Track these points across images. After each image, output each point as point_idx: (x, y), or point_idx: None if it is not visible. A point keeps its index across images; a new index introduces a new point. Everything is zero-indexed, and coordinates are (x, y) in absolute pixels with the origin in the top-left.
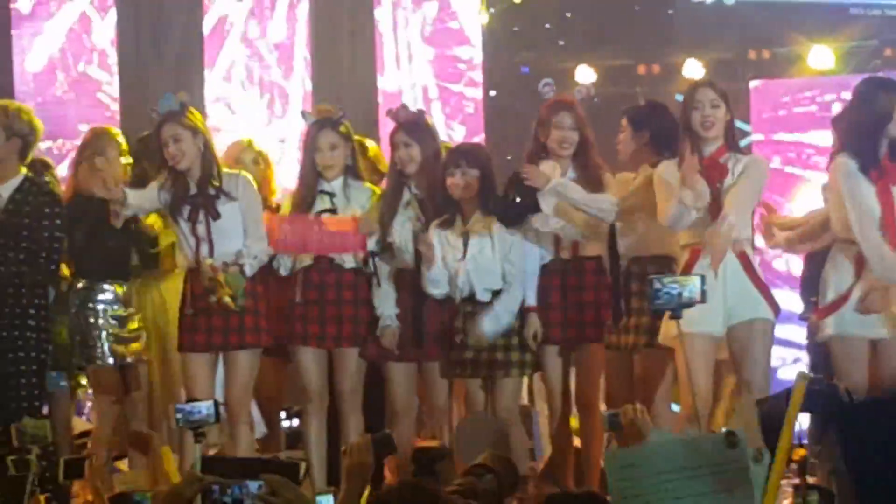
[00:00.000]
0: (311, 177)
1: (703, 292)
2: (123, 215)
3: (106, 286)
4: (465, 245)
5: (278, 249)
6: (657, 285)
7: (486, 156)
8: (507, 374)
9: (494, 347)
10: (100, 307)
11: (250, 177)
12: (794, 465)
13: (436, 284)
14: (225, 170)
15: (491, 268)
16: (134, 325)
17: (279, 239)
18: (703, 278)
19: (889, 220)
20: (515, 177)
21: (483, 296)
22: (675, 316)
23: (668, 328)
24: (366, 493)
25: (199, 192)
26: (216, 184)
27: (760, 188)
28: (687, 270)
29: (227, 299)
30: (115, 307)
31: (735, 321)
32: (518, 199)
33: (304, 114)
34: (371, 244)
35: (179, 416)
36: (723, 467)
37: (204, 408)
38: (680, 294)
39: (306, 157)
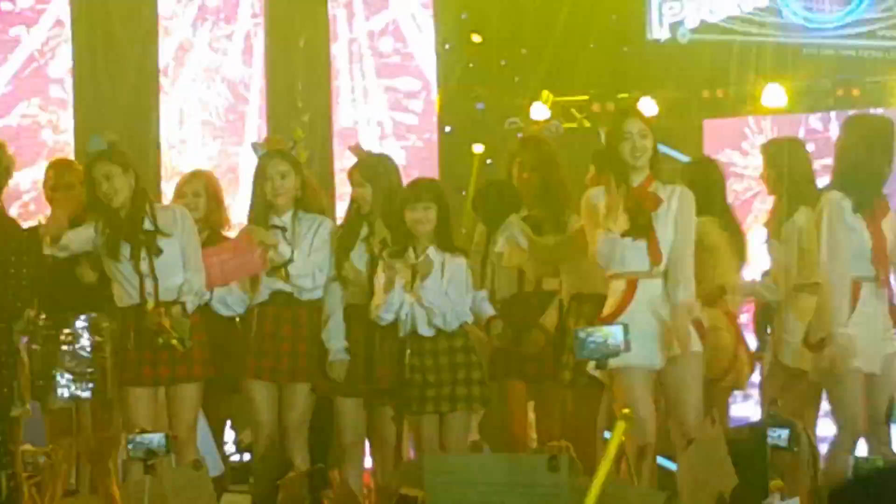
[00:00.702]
0: (262, 210)
1: (627, 341)
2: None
3: (74, 320)
4: (413, 278)
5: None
6: (581, 336)
7: (443, 192)
8: (454, 409)
9: (441, 383)
10: (62, 344)
11: (185, 210)
12: None
13: (389, 309)
14: (158, 204)
15: (438, 303)
16: (95, 359)
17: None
18: (625, 327)
19: (879, 254)
20: None
21: (425, 331)
22: (601, 366)
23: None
24: None
25: (135, 230)
26: (151, 220)
27: (693, 228)
28: (625, 303)
29: (175, 342)
30: (80, 342)
31: (672, 353)
32: None
33: (254, 145)
34: (306, 286)
35: (131, 446)
36: (540, 489)
37: (155, 439)
38: (604, 344)
39: (256, 189)
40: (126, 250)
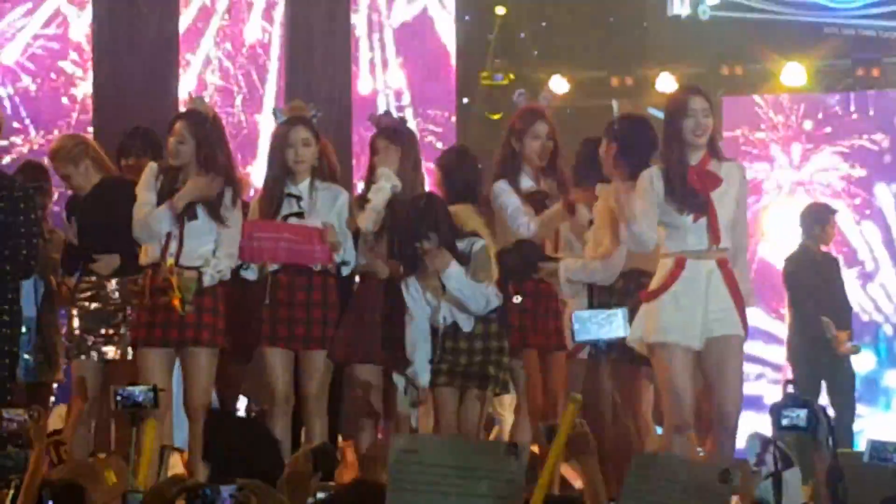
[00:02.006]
0: (280, 177)
1: (626, 326)
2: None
3: (98, 280)
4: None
5: (244, 258)
6: (580, 319)
7: (446, 210)
8: (481, 386)
9: (471, 363)
10: (89, 302)
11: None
12: None
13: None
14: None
15: (467, 294)
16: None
17: (245, 247)
18: (625, 311)
19: None
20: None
21: (466, 326)
22: (598, 349)
23: (641, 333)
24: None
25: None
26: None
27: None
28: (671, 280)
29: (177, 302)
30: (108, 303)
31: (712, 336)
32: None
33: (275, 111)
34: (337, 257)
35: (119, 398)
36: (498, 475)
37: (141, 392)
38: (603, 328)
39: (275, 156)
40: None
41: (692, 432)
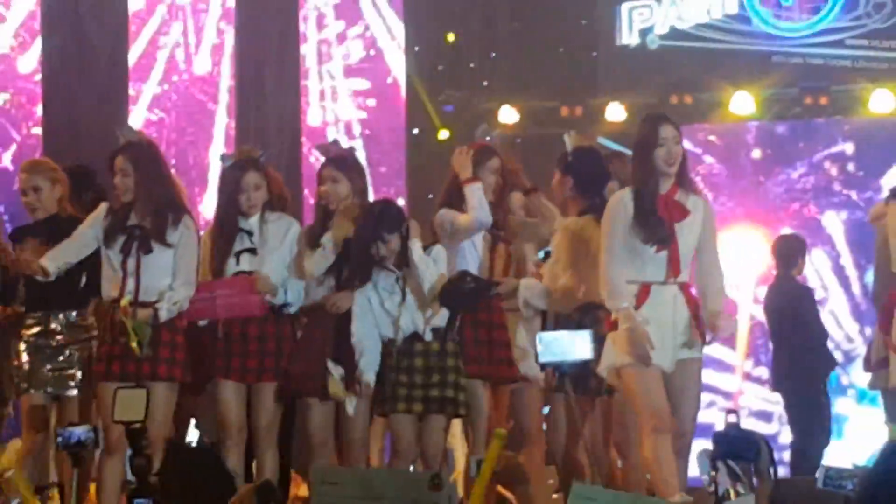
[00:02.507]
0: (232, 216)
1: (592, 348)
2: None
3: (49, 315)
4: (403, 289)
5: (188, 318)
6: (545, 340)
7: (402, 213)
8: (442, 410)
9: (429, 385)
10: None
11: (192, 221)
12: None
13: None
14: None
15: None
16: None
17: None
18: (592, 333)
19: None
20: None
21: (428, 335)
22: (562, 371)
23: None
24: None
25: (138, 225)
26: (159, 221)
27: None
28: (637, 306)
29: (134, 345)
30: (56, 337)
31: (678, 358)
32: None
33: (223, 157)
34: (277, 299)
35: (59, 440)
36: None
37: (81, 432)
38: (568, 350)
39: (227, 199)
40: (118, 243)
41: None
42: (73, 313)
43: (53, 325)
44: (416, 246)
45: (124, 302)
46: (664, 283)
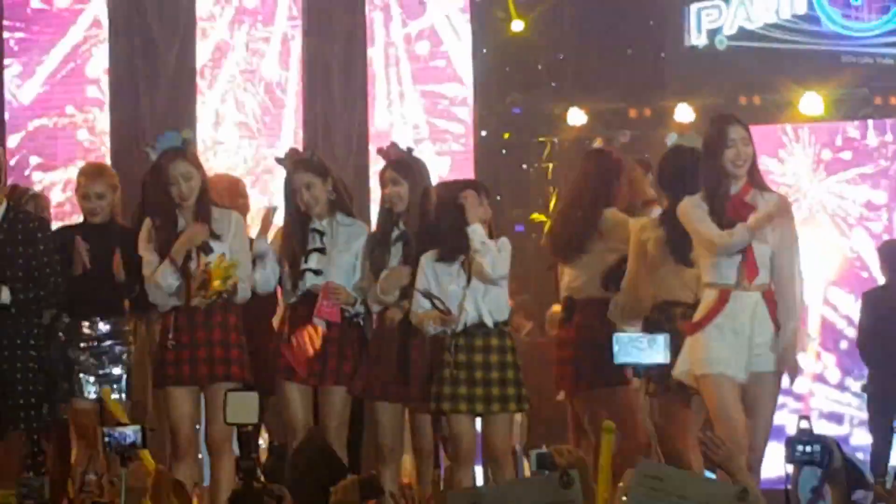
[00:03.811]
0: (297, 217)
1: (667, 353)
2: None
3: (95, 320)
4: (468, 274)
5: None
6: (620, 342)
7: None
8: (504, 408)
9: (489, 382)
10: (83, 343)
11: (240, 216)
12: None
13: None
14: (214, 207)
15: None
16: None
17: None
18: (668, 337)
19: None
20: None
21: (489, 320)
22: (637, 374)
23: (689, 365)
24: None
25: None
26: (212, 221)
27: (795, 238)
28: (714, 313)
29: (217, 284)
30: (102, 343)
31: (754, 370)
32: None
33: (278, 160)
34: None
35: (107, 440)
36: None
37: (131, 433)
38: (644, 352)
39: (287, 200)
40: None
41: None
42: (118, 319)
43: (101, 331)
44: (479, 230)
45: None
46: (743, 288)
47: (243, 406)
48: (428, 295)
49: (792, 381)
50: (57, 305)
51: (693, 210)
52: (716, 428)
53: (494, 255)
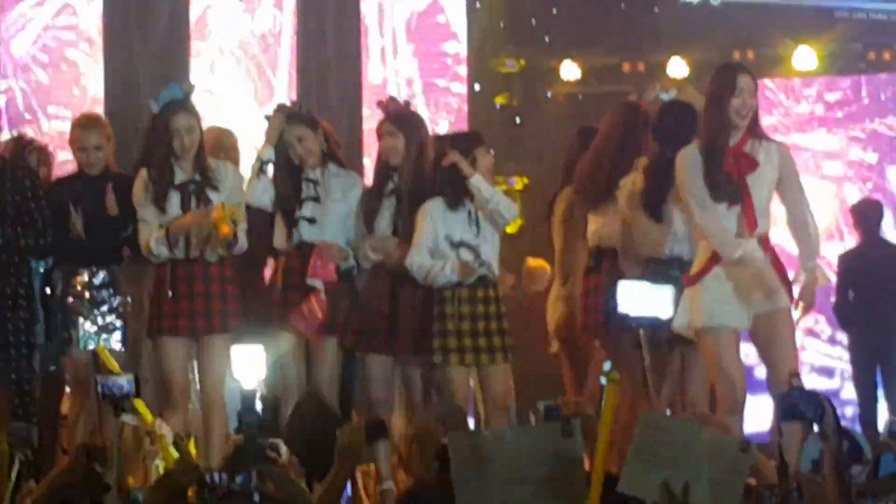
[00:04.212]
0: (289, 169)
1: (672, 307)
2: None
3: (92, 270)
4: (478, 224)
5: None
6: (625, 289)
7: None
8: (506, 357)
9: (490, 332)
10: (81, 291)
11: (236, 168)
12: None
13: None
14: (211, 159)
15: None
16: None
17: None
18: (674, 290)
19: None
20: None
21: (494, 271)
22: (639, 324)
23: (688, 318)
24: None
25: (191, 181)
26: (209, 172)
27: (799, 182)
28: (713, 263)
29: (227, 229)
30: (100, 293)
31: (761, 311)
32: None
33: (266, 117)
34: (344, 265)
35: (101, 388)
36: (559, 456)
37: (125, 382)
38: (648, 303)
39: (278, 154)
40: (175, 201)
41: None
42: (115, 269)
43: (99, 281)
44: (481, 179)
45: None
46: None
47: (249, 360)
48: (460, 244)
49: (804, 313)
50: (45, 252)
51: (685, 169)
52: (714, 382)
53: (505, 199)
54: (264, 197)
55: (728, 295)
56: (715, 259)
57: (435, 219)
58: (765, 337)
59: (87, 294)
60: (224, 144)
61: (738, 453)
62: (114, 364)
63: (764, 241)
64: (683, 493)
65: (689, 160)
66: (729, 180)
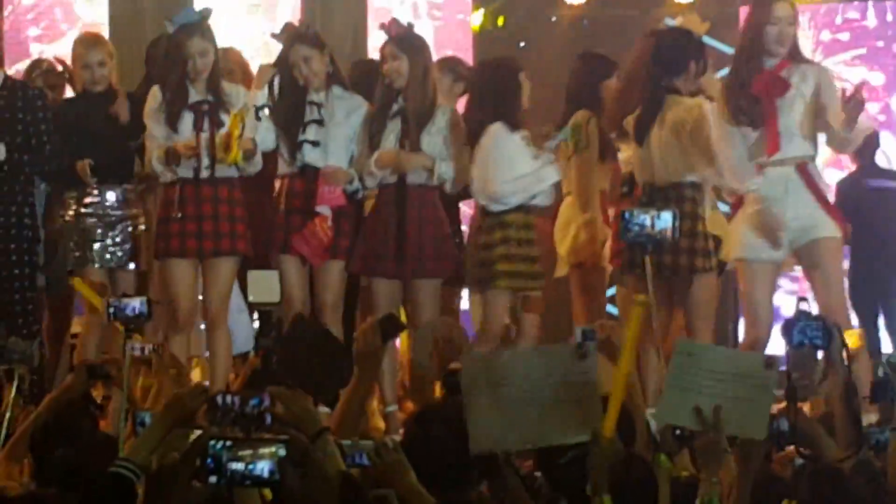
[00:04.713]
0: (293, 90)
1: (676, 228)
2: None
3: (104, 189)
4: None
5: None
6: (627, 217)
7: None
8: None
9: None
10: (94, 210)
11: (247, 91)
12: None
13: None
14: (224, 82)
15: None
16: (130, 229)
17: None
18: (675, 213)
19: None
20: None
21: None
22: (644, 251)
23: (726, 248)
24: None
25: (204, 101)
26: (222, 95)
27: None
28: (743, 199)
29: (240, 141)
30: (112, 211)
31: (801, 242)
32: None
33: (274, 35)
34: (349, 188)
35: (112, 311)
36: (572, 378)
37: (137, 304)
38: (651, 227)
39: (283, 75)
40: (188, 120)
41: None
42: (126, 188)
43: (109, 200)
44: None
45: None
46: (773, 164)
47: (265, 285)
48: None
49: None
50: (50, 172)
51: (719, 94)
52: (744, 316)
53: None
54: (268, 138)
55: (763, 226)
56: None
57: (509, 144)
58: (807, 268)
59: (97, 213)
60: (240, 68)
61: (762, 370)
62: (94, 296)
63: (802, 170)
64: (715, 415)
65: (716, 85)
66: (754, 103)
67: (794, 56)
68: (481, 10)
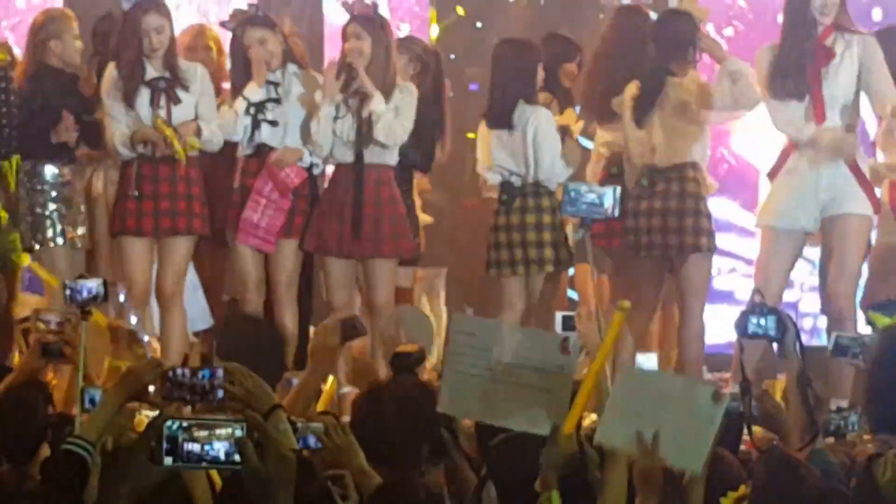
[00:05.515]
0: (247, 72)
1: (617, 205)
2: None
3: (56, 166)
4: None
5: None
6: (572, 193)
7: None
8: (542, 268)
9: (526, 244)
10: (50, 188)
11: (206, 70)
12: None
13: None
14: (180, 59)
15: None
16: (81, 208)
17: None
18: (616, 189)
19: None
20: None
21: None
22: (586, 225)
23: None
24: (330, 381)
25: (161, 77)
26: (178, 72)
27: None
28: (783, 159)
29: (177, 145)
30: (66, 189)
31: (828, 213)
32: None
33: (223, 23)
34: (303, 163)
35: (68, 293)
36: (549, 367)
37: (94, 285)
38: (593, 203)
39: (235, 59)
40: (145, 97)
41: None
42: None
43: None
44: None
45: (166, 129)
46: (810, 131)
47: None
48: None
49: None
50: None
51: (761, 64)
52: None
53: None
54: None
55: (794, 194)
56: (785, 155)
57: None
58: (827, 243)
59: (52, 191)
60: (216, 44)
61: (710, 403)
62: (50, 276)
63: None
64: (654, 443)
65: (764, 56)
66: (799, 74)
67: (840, 23)
68: None
